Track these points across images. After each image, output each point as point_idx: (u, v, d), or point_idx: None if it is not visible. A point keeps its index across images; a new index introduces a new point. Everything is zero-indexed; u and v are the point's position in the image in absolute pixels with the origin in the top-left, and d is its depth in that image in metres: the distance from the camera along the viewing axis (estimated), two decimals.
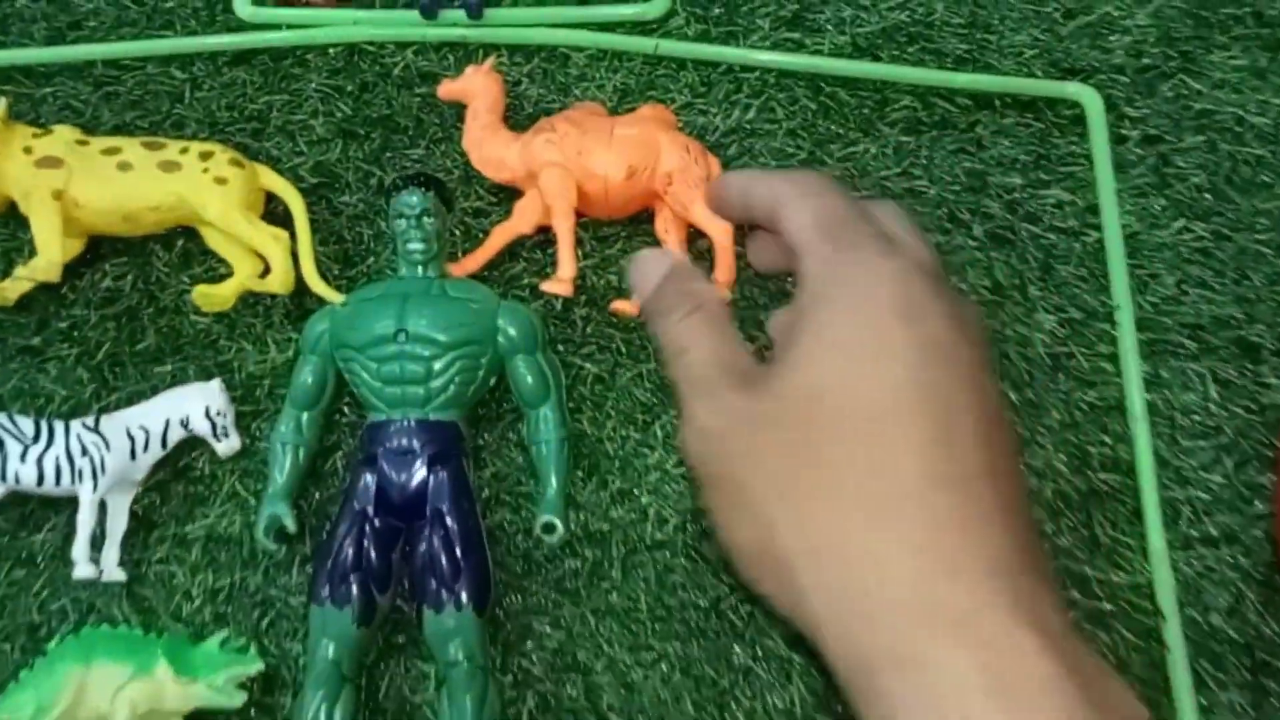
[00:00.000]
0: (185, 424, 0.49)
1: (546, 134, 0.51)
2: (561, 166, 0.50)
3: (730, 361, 0.34)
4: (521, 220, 0.52)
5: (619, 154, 0.50)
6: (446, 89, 0.53)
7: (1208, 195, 0.55)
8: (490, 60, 0.55)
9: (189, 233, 0.54)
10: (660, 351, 0.38)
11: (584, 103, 0.56)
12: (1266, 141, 0.56)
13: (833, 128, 0.56)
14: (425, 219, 0.49)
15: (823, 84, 0.57)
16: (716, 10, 0.59)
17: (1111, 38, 0.58)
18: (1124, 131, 0.56)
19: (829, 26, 0.59)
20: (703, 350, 0.34)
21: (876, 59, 0.58)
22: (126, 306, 0.53)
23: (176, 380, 0.52)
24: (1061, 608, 0.29)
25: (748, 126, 0.57)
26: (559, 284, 0.51)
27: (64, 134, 0.54)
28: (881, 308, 0.31)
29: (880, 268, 0.32)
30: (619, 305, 0.51)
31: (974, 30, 0.59)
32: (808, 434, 0.31)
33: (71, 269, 0.53)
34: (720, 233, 0.50)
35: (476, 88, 0.53)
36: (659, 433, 0.50)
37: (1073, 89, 0.56)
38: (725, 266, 0.50)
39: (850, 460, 0.30)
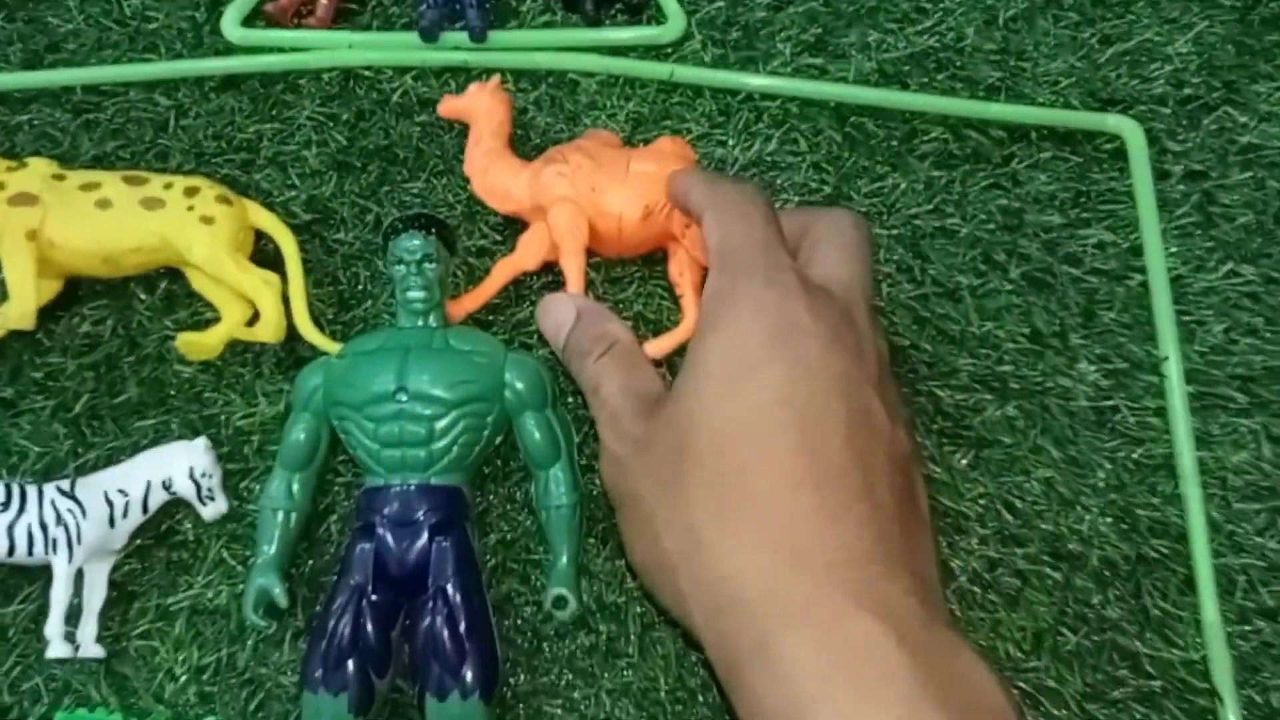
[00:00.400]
0: (168, 486, 0.45)
1: (558, 165, 0.47)
2: (573, 202, 0.46)
3: (636, 391, 0.39)
4: (526, 256, 0.48)
5: (635, 192, 0.46)
6: (448, 106, 0.49)
7: (1257, 236, 0.52)
8: (496, 78, 0.50)
9: (173, 274, 0.50)
10: (580, 387, 0.44)
11: (597, 131, 0.52)
12: None
13: (860, 161, 0.53)
14: (427, 265, 0.45)
15: (848, 113, 0.54)
16: (735, 34, 0.55)
17: (1151, 66, 0.55)
18: (1166, 167, 0.53)
19: (854, 52, 0.55)
20: (613, 385, 0.40)
21: (905, 87, 0.54)
22: (106, 354, 0.49)
23: (159, 435, 0.48)
24: (928, 599, 0.32)
25: (769, 159, 0.53)
26: None
27: (39, 168, 0.50)
28: (753, 337, 0.35)
29: (761, 298, 0.36)
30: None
31: (1007, 57, 0.55)
32: (686, 453, 0.35)
33: (47, 312, 0.49)
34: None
35: (481, 107, 0.48)
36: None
37: (1113, 121, 0.53)
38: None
39: (719, 473, 0.34)
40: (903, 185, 0.52)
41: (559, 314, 0.44)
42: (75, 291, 0.50)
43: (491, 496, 0.47)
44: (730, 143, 0.53)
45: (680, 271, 0.48)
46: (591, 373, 0.41)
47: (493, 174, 0.48)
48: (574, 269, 0.47)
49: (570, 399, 0.48)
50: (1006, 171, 0.53)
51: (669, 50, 0.55)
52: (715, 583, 0.33)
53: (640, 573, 0.38)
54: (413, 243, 0.45)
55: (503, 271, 0.48)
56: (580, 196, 0.46)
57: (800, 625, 0.30)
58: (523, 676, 0.45)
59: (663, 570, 0.35)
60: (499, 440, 0.46)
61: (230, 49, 0.56)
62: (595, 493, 0.47)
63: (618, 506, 0.39)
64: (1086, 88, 0.54)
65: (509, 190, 0.48)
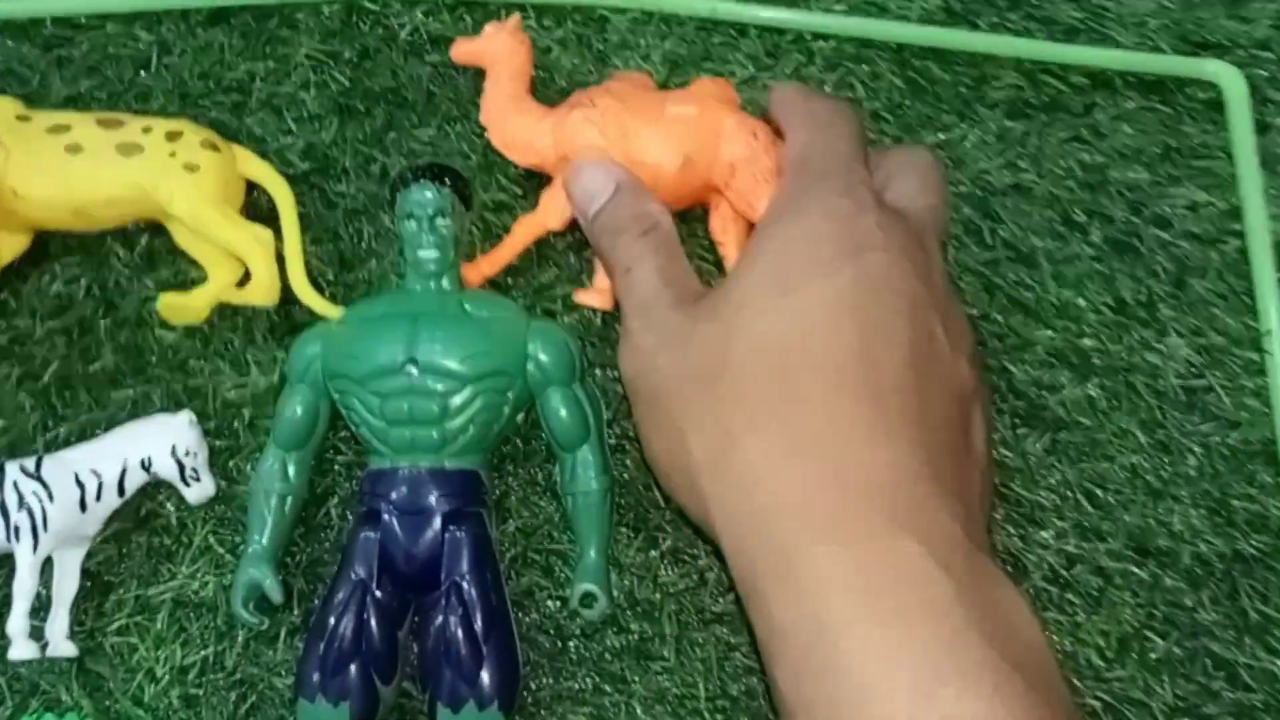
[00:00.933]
0: (147, 466, 0.40)
1: (584, 109, 0.41)
2: (602, 150, 0.41)
3: (675, 280, 0.36)
4: (550, 213, 0.43)
5: (672, 138, 0.40)
6: (462, 50, 0.44)
7: None
8: (515, 17, 0.44)
9: (155, 228, 0.45)
10: (606, 268, 0.39)
11: (628, 73, 0.46)
12: None
13: (923, 109, 0.47)
14: (440, 220, 0.40)
15: (911, 56, 0.48)
16: None
17: (1253, 4, 0.49)
18: (1268, 119, 0.47)
19: None
20: (648, 268, 0.36)
21: (974, 27, 0.48)
22: (79, 317, 0.44)
23: (138, 409, 0.42)
24: (973, 529, 0.29)
25: None
26: (596, 294, 0.42)
27: (4, 107, 0.44)
28: (822, 241, 0.32)
29: (834, 204, 0.33)
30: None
31: None
32: (727, 350, 0.32)
33: (14, 271, 0.44)
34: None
35: (498, 50, 0.43)
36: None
37: (1210, 67, 0.47)
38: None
39: (760, 375, 0.31)
40: (972, 137, 0.46)
41: (594, 182, 0.39)
42: (45, 248, 0.45)
43: (511, 479, 0.42)
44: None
45: (723, 227, 0.42)
46: (627, 251, 0.37)
47: (513, 123, 0.43)
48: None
49: (600, 370, 0.43)
50: (1088, 122, 0.47)
51: None
52: (744, 487, 0.30)
53: (659, 472, 0.35)
54: (425, 195, 0.40)
55: (525, 231, 0.43)
56: (610, 144, 0.41)
57: (833, 541, 0.28)
58: (546, 681, 0.39)
59: (685, 471, 0.33)
60: (520, 418, 0.40)
61: None
62: (627, 477, 0.41)
63: (636, 400, 0.36)
64: (1178, 30, 0.48)
65: (531, 140, 0.42)
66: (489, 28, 0.43)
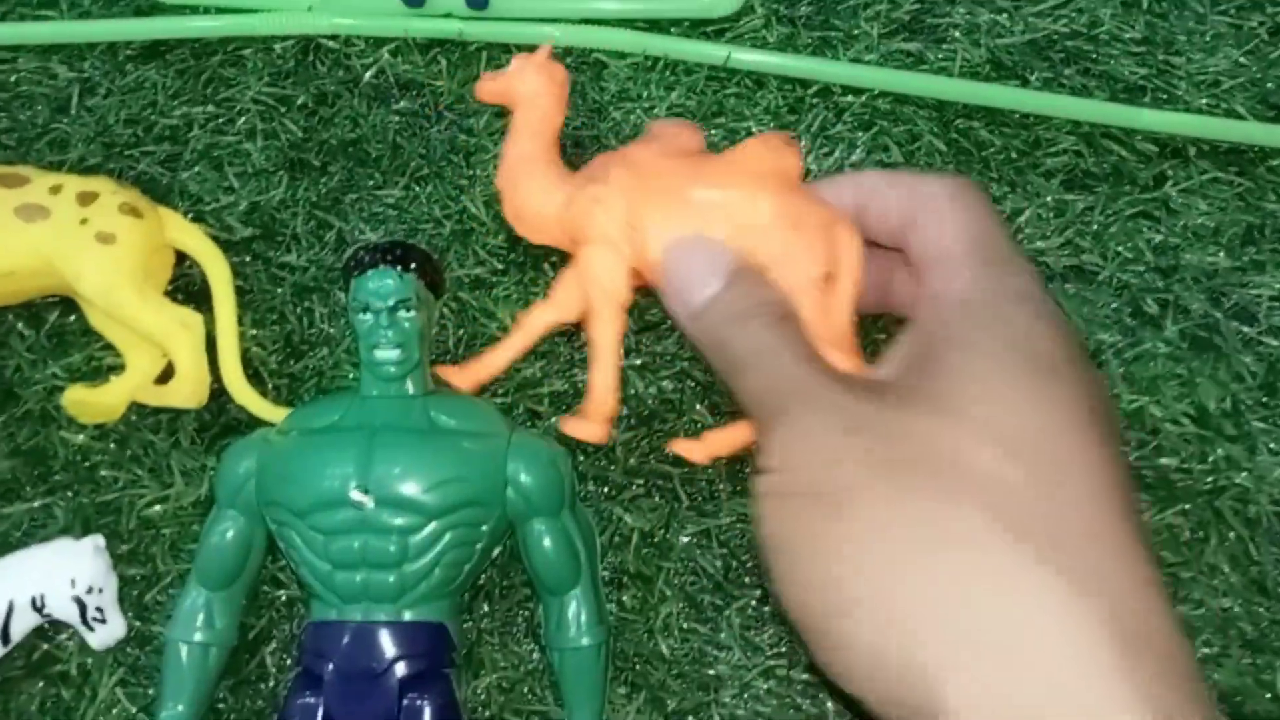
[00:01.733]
0: (39, 606, 0.32)
1: (596, 187, 0.32)
2: (611, 245, 0.31)
3: (830, 368, 0.28)
4: (565, 303, 0.33)
5: (692, 229, 0.31)
6: (487, 89, 0.34)
7: None
8: (545, 49, 0.34)
9: (66, 304, 0.37)
10: (726, 363, 0.29)
11: (672, 124, 0.35)
12: None
13: (968, 176, 0.40)
14: (402, 313, 0.32)
15: (954, 115, 0.41)
16: (806, 8, 0.42)
17: None
18: None
19: (958, 35, 0.42)
20: (796, 353, 0.29)
21: (1024, 82, 0.41)
22: None
23: (37, 525, 0.35)
24: None
25: (852, 169, 0.40)
26: (588, 425, 0.32)
27: None
28: (1043, 337, 0.27)
29: (1040, 310, 0.28)
30: (682, 447, 0.33)
31: (1153, 49, 0.42)
32: (966, 446, 0.24)
33: None
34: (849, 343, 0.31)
35: (525, 89, 0.34)
36: (736, 621, 0.34)
37: None
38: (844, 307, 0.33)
39: (1017, 479, 0.24)
40: (1025, 210, 0.40)
41: (701, 264, 0.30)
42: None
43: (485, 620, 0.34)
44: (802, 147, 0.40)
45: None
46: (759, 338, 0.29)
47: (524, 189, 0.33)
48: (604, 340, 0.32)
49: (593, 488, 0.35)
50: (1157, 196, 0.40)
51: (724, 26, 0.42)
52: (1014, 641, 0.22)
53: (822, 613, 0.24)
54: (384, 282, 0.32)
55: (532, 326, 0.33)
56: (619, 235, 0.31)
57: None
58: None
59: (884, 612, 0.23)
60: (496, 553, 0.33)
61: (155, 6, 0.42)
62: (627, 619, 0.34)
63: (801, 511, 0.26)
64: (1256, 91, 0.42)
65: (541, 214, 0.33)
66: (517, 60, 0.34)
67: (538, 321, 0.33)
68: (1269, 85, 0.42)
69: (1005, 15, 0.43)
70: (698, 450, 0.33)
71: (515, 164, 0.34)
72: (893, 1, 0.43)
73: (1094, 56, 0.42)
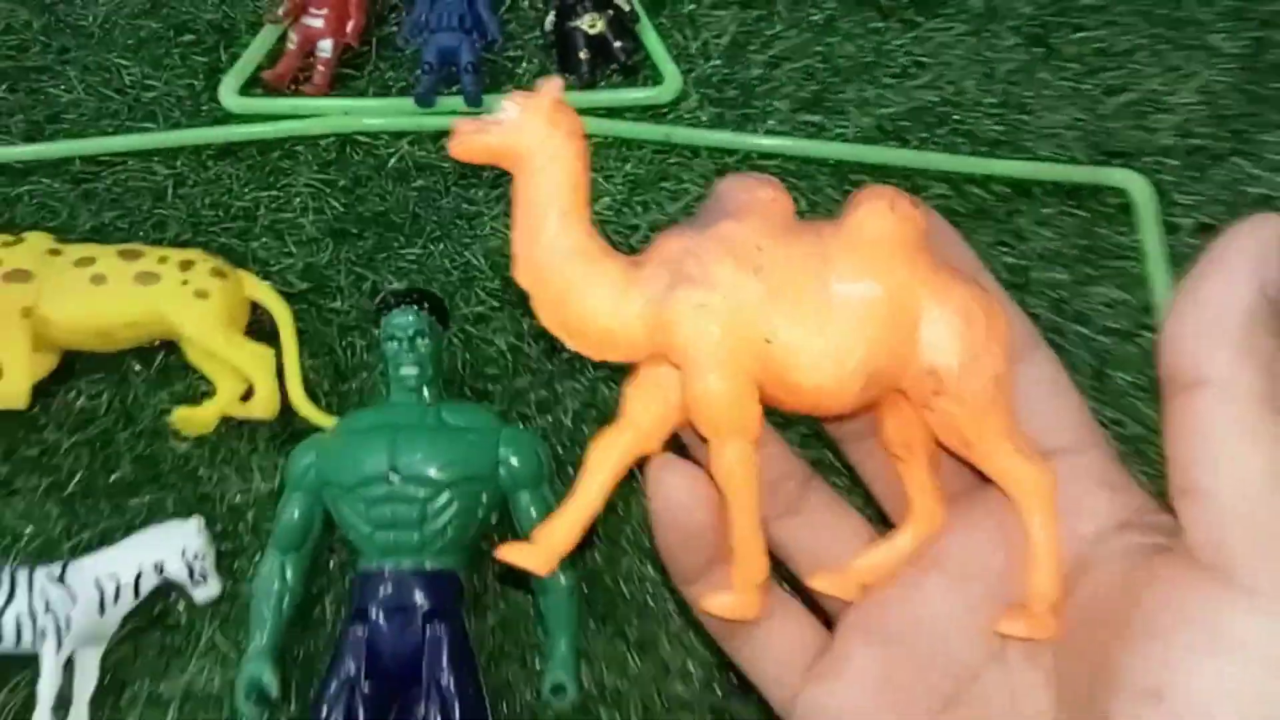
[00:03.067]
0: (160, 570, 0.42)
1: (695, 290, 0.23)
2: (729, 356, 0.23)
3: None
4: (645, 426, 0.24)
5: (846, 338, 0.23)
6: (472, 143, 0.24)
7: None
8: (556, 83, 0.24)
9: (169, 347, 0.48)
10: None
11: (747, 182, 0.25)
12: None
13: None
14: (419, 340, 0.42)
15: (848, 170, 0.51)
16: (731, 92, 0.52)
17: (1156, 117, 0.51)
18: (1175, 220, 0.49)
19: (851, 108, 0.52)
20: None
21: (904, 143, 0.51)
22: (101, 430, 0.47)
23: (153, 513, 0.45)
24: None
25: None
26: (734, 597, 0.25)
27: (35, 243, 0.47)
28: None
29: None
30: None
31: (1008, 111, 0.52)
32: None
33: (42, 387, 0.46)
34: (1038, 493, 0.24)
35: (533, 144, 0.23)
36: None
37: (1118, 175, 0.49)
38: (1047, 568, 0.24)
39: None
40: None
41: None
42: (71, 366, 0.48)
43: (489, 575, 0.44)
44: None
45: (906, 442, 0.25)
46: None
47: (578, 296, 0.24)
48: (739, 485, 0.24)
49: (570, 470, 0.45)
50: (1011, 228, 0.49)
51: (665, 110, 0.52)
52: None
53: None
54: (405, 318, 0.42)
55: (612, 464, 0.24)
56: (740, 349, 0.23)
57: None
58: None
59: None
60: (495, 519, 0.43)
61: (228, 117, 0.53)
62: (596, 570, 0.43)
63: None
64: (1090, 140, 0.51)
65: (610, 324, 0.24)
66: (512, 102, 0.24)
67: (618, 457, 0.24)
68: (1099, 136, 0.51)
69: (888, 89, 0.52)
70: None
71: (551, 257, 0.24)
72: (798, 84, 0.52)
73: (960, 119, 0.52)
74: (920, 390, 0.24)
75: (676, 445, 0.26)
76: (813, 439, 0.39)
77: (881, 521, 0.28)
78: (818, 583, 0.26)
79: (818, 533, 0.27)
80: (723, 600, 0.24)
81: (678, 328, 0.23)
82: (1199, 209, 0.49)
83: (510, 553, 0.24)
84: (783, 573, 0.26)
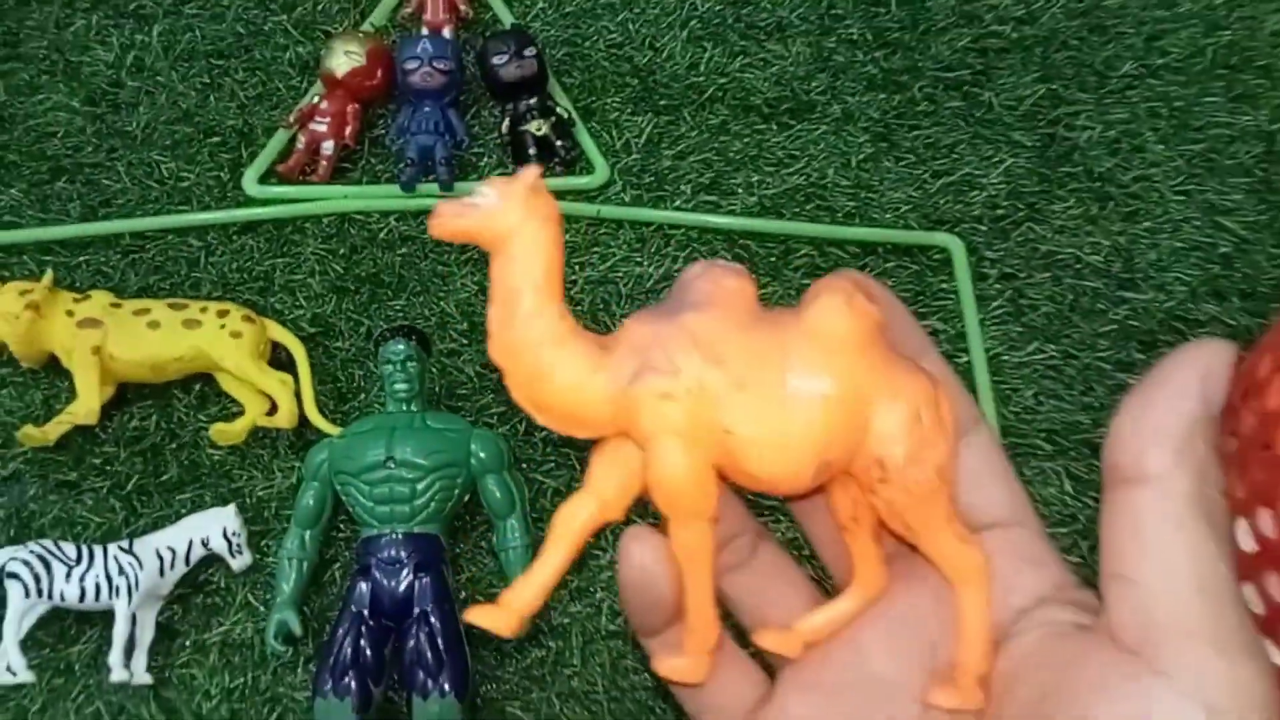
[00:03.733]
0: (206, 544, 0.55)
1: (660, 378, 0.24)
2: (691, 442, 0.24)
3: None
4: (608, 494, 0.25)
5: (802, 432, 0.24)
6: (452, 226, 0.24)
7: (1056, 321, 0.64)
8: (533, 172, 0.25)
9: (206, 378, 0.61)
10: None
11: (712, 269, 0.25)
12: (1100, 275, 0.65)
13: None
14: (409, 364, 0.56)
15: (737, 237, 0.66)
16: (648, 179, 0.68)
17: (971, 194, 0.68)
18: (984, 270, 0.65)
19: (740, 190, 0.68)
20: None
21: (780, 216, 0.67)
22: (151, 444, 0.60)
23: (196, 506, 0.57)
24: None
25: (676, 274, 0.64)
26: (689, 662, 0.26)
27: (100, 298, 0.60)
28: None
29: None
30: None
31: (859, 190, 0.68)
32: None
33: (103, 411, 0.59)
34: (974, 570, 0.25)
35: (511, 226, 0.24)
36: (609, 536, 0.57)
37: (940, 237, 0.65)
38: (977, 643, 0.25)
39: None
40: (779, 292, 0.64)
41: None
42: (125, 395, 0.61)
43: (463, 544, 0.57)
44: (646, 264, 0.65)
45: (853, 515, 0.26)
46: None
47: (547, 373, 0.24)
48: (699, 592, 0.25)
49: (523, 465, 0.59)
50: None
51: (596, 193, 0.67)
52: None
53: None
54: (398, 347, 0.56)
55: (573, 532, 0.25)
56: (700, 438, 0.24)
57: None
58: (489, 685, 0.54)
59: None
60: (467, 498, 0.56)
61: (249, 201, 0.67)
62: (543, 534, 0.57)
63: None
64: (921, 211, 0.67)
65: (578, 405, 0.25)
66: (491, 187, 0.24)
67: (581, 524, 0.25)
68: (929, 208, 0.67)
69: (769, 176, 0.68)
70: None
71: (525, 337, 0.24)
72: (699, 172, 0.68)
73: (822, 197, 0.68)
74: (867, 477, 0.24)
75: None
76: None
77: (826, 580, 0.29)
78: (764, 640, 0.26)
79: (766, 588, 0.28)
80: (674, 664, 0.26)
81: (642, 413, 0.24)
82: (1002, 262, 0.66)
83: (479, 616, 0.25)
84: (730, 621, 0.27)
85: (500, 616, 0.25)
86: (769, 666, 0.28)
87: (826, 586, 0.28)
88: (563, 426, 0.25)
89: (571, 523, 0.25)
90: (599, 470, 0.25)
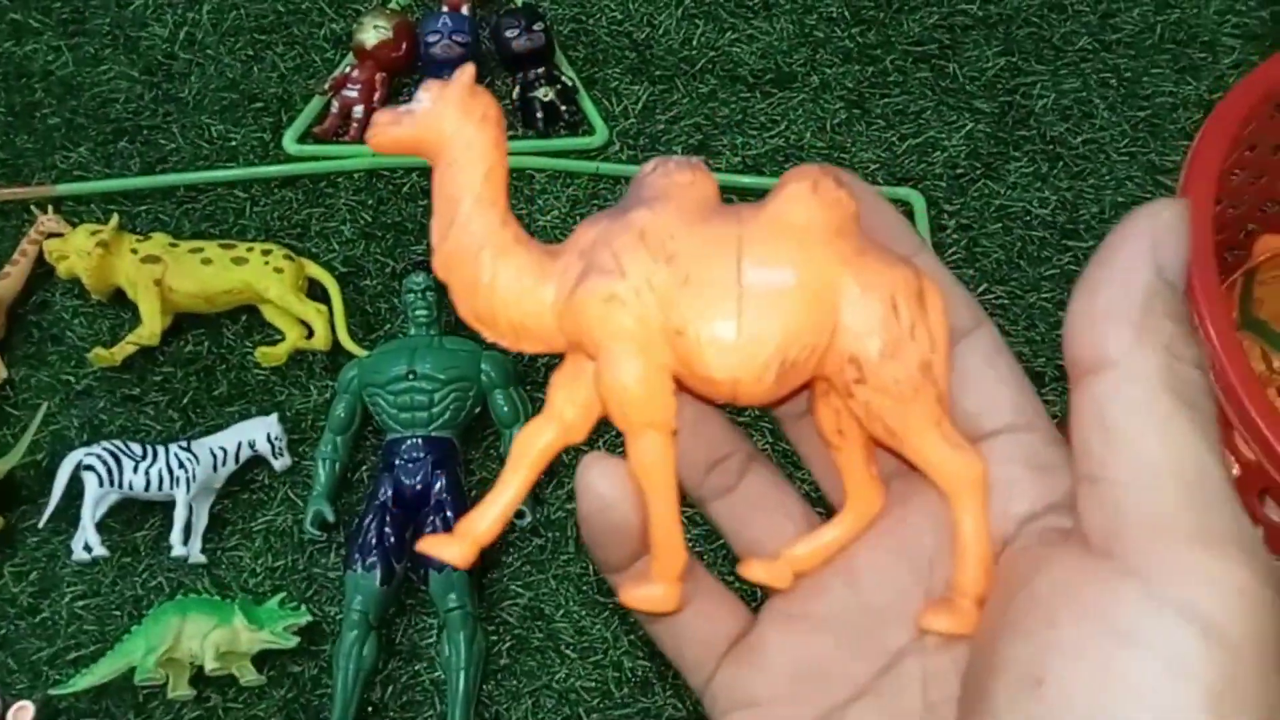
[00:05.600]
0: (253, 446, 0.64)
1: (606, 279, 0.22)
2: (641, 344, 0.22)
3: None
4: (570, 419, 0.24)
5: (758, 328, 0.22)
6: (388, 135, 0.23)
7: (1005, 266, 0.73)
8: (468, 69, 0.23)
9: (251, 309, 0.71)
10: None
11: (673, 162, 0.24)
12: (1047, 226, 0.74)
13: None
14: (428, 293, 0.66)
15: (722, 193, 0.75)
16: (643, 140, 0.77)
17: (934, 154, 0.77)
18: (943, 222, 0.74)
19: (726, 151, 0.77)
20: None
21: (761, 174, 0.76)
22: (204, 365, 0.69)
23: (243, 416, 0.67)
24: None
25: None
26: (652, 589, 0.24)
27: (159, 239, 0.70)
28: None
29: None
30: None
31: (833, 151, 0.77)
32: None
33: (161, 338, 0.69)
34: (968, 480, 0.23)
35: (449, 132, 0.23)
36: (601, 445, 0.66)
37: (904, 192, 0.74)
38: (973, 562, 0.23)
39: None
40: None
41: None
42: (181, 325, 0.70)
43: (474, 452, 0.66)
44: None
45: (839, 428, 0.24)
46: None
47: (488, 284, 0.23)
48: (657, 478, 0.23)
49: (528, 386, 0.68)
50: None
51: (596, 153, 0.77)
52: None
53: None
54: (418, 278, 0.66)
55: (534, 456, 0.24)
56: (652, 340, 0.22)
57: None
58: (495, 570, 0.63)
59: None
60: (478, 409, 0.65)
61: (289, 158, 0.77)
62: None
63: None
64: (889, 170, 0.76)
65: (521, 315, 0.23)
66: (426, 91, 0.23)
67: (539, 449, 0.24)
68: (896, 167, 0.76)
69: (753, 139, 0.77)
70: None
71: (465, 247, 0.23)
72: (689, 135, 0.77)
73: (799, 156, 0.77)
74: (841, 379, 0.22)
75: None
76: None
77: (824, 504, 0.27)
78: (750, 572, 0.25)
79: (755, 514, 0.26)
80: (641, 593, 0.24)
81: (587, 318, 0.22)
82: (959, 214, 0.74)
83: (431, 545, 0.24)
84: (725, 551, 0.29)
85: (454, 547, 0.23)
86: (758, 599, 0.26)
87: (823, 512, 0.26)
88: (511, 341, 0.24)
89: (528, 448, 0.24)
90: (559, 391, 0.24)
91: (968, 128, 0.78)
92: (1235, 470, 0.43)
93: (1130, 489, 0.19)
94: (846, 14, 0.82)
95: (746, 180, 0.75)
